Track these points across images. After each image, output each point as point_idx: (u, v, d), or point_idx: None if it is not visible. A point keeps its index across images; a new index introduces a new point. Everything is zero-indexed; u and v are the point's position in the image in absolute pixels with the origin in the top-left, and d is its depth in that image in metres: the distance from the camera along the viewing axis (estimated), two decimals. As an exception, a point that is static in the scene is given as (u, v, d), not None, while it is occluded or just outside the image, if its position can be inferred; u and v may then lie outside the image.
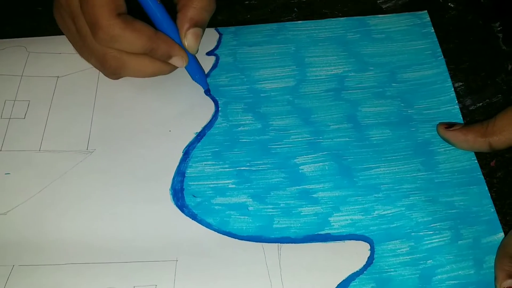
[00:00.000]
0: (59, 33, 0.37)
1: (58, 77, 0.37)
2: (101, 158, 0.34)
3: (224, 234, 0.31)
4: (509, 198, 0.32)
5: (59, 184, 0.33)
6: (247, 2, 0.42)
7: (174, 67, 0.35)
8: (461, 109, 0.35)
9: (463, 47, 0.39)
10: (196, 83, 0.37)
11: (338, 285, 0.28)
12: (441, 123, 0.34)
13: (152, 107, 0.36)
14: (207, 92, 0.36)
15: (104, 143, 0.34)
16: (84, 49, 0.34)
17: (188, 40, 0.33)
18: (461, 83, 0.37)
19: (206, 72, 0.37)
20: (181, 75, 0.37)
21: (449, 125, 0.33)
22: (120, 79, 0.36)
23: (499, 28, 0.39)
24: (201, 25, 0.33)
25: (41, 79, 0.37)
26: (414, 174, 0.32)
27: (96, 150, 0.34)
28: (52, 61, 0.38)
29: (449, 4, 0.41)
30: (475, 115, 0.35)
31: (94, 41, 0.32)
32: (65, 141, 0.34)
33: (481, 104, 0.36)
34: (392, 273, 0.29)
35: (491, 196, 0.32)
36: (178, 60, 0.33)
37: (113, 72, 0.34)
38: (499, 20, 0.40)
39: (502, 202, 0.32)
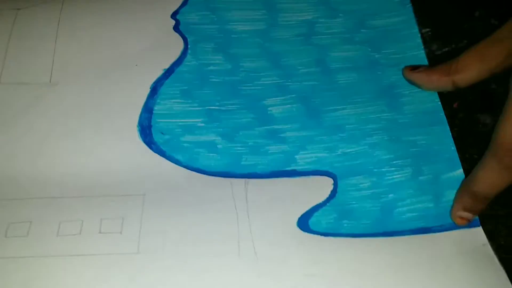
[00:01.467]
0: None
1: (18, 9, 0.36)
2: (65, 92, 0.33)
3: (193, 170, 0.31)
4: (469, 138, 0.33)
5: (22, 118, 0.32)
6: None
7: None
8: (427, 54, 0.36)
9: None
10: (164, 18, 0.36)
11: (301, 215, 0.29)
12: (406, 66, 0.34)
13: (118, 40, 0.35)
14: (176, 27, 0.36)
15: (68, 76, 0.34)
16: None
17: None
18: (428, 29, 0.38)
19: (175, 9, 0.37)
20: (149, 8, 0.36)
21: (414, 68, 0.34)
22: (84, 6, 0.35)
23: None
24: None
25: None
26: (378, 115, 0.33)
27: (60, 83, 0.33)
28: None
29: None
30: (441, 60, 0.36)
31: None
32: (27, 73, 0.34)
33: (446, 49, 0.37)
34: (354, 205, 0.30)
35: (453, 135, 0.33)
36: None
37: None
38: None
39: (462, 141, 0.33)
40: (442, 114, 0.33)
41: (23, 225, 0.29)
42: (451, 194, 0.30)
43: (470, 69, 0.31)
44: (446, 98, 0.34)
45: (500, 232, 0.30)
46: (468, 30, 0.38)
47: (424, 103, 0.34)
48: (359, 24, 0.37)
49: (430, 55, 0.36)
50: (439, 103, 0.34)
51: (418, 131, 0.33)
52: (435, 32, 0.37)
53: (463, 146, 0.33)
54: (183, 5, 0.37)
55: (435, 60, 0.36)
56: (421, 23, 0.38)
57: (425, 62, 0.36)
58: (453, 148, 0.32)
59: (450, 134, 0.33)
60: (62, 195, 0.30)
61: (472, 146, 0.33)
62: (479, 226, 0.29)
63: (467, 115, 0.34)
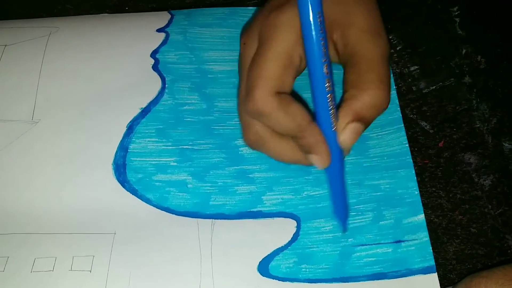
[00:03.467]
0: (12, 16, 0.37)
1: (5, 45, 0.38)
2: (46, 129, 0.35)
3: (162, 210, 0.32)
4: (454, 177, 0.34)
5: (3, 155, 0.34)
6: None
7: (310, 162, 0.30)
8: (414, 92, 0.37)
9: (420, 31, 0.40)
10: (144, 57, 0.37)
11: (262, 259, 0.30)
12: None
13: (99, 77, 0.37)
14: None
15: (50, 114, 0.35)
16: (238, 109, 0.32)
17: (345, 135, 0.28)
18: (416, 67, 0.38)
19: (155, 48, 0.38)
20: (130, 46, 0.38)
21: None
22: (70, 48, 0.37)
23: (456, 13, 0.41)
24: (365, 123, 0.28)
25: None
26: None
27: (41, 120, 0.35)
28: (1, 31, 0.38)
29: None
30: (427, 98, 0.37)
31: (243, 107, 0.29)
32: (10, 110, 0.35)
33: (434, 87, 0.38)
34: (314, 249, 0.31)
35: (437, 175, 0.34)
36: (316, 160, 0.29)
37: (250, 144, 0.31)
38: (457, 4, 0.41)
39: (446, 180, 0.34)
40: (409, 157, 0.34)
41: (0, 260, 0.31)
42: (411, 239, 0.31)
43: None
44: (432, 136, 0.36)
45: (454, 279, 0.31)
46: (455, 67, 0.39)
47: (391, 146, 0.35)
48: (333, 66, 0.38)
49: (417, 93, 0.37)
50: (407, 146, 0.35)
51: (382, 175, 0.33)
52: (422, 70, 0.38)
53: (447, 186, 0.34)
54: (163, 43, 0.39)
55: (422, 99, 0.37)
56: (409, 60, 0.38)
57: (395, 102, 0.36)
58: (417, 192, 0.33)
59: (415, 178, 0.34)
60: (38, 231, 0.32)
61: (455, 185, 0.34)
62: (434, 272, 0.30)
63: (452, 154, 0.35)
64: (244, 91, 0.29)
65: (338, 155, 0.29)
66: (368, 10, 0.30)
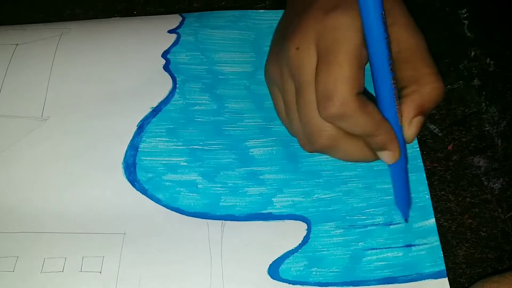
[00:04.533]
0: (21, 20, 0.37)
1: (17, 44, 0.38)
2: (55, 127, 0.34)
3: (172, 210, 0.32)
4: (463, 180, 0.34)
5: (12, 151, 0.34)
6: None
7: (377, 158, 0.30)
8: None
9: (429, 33, 0.40)
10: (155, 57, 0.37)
11: (273, 262, 0.30)
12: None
13: (109, 76, 0.36)
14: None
15: (59, 111, 0.35)
16: (291, 114, 0.31)
17: (412, 129, 0.29)
18: None
19: (166, 49, 0.38)
20: (141, 46, 0.38)
21: None
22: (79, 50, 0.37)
23: (465, 15, 0.41)
24: (426, 115, 0.30)
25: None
26: (354, 162, 0.34)
27: (51, 117, 0.35)
28: (13, 31, 0.38)
29: (420, -11, 0.42)
30: None
31: (312, 112, 0.28)
32: (20, 107, 0.35)
33: None
34: (325, 252, 0.31)
35: (447, 178, 0.34)
36: (389, 156, 0.29)
37: (318, 149, 0.30)
38: (466, 7, 0.41)
39: (456, 184, 0.34)
40: (420, 161, 0.34)
41: (10, 260, 0.30)
42: (421, 243, 0.31)
43: None
44: (441, 140, 0.36)
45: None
46: (464, 70, 0.38)
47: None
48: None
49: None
50: (418, 150, 0.35)
51: (393, 179, 0.33)
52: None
53: (456, 189, 0.34)
54: (174, 44, 0.38)
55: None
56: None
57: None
58: (428, 196, 0.33)
59: (426, 182, 0.34)
60: (48, 231, 0.31)
61: (465, 189, 0.34)
62: (445, 277, 0.30)
63: (461, 157, 0.35)
64: (318, 96, 0.28)
65: (403, 148, 0.30)
66: (403, 8, 0.30)
